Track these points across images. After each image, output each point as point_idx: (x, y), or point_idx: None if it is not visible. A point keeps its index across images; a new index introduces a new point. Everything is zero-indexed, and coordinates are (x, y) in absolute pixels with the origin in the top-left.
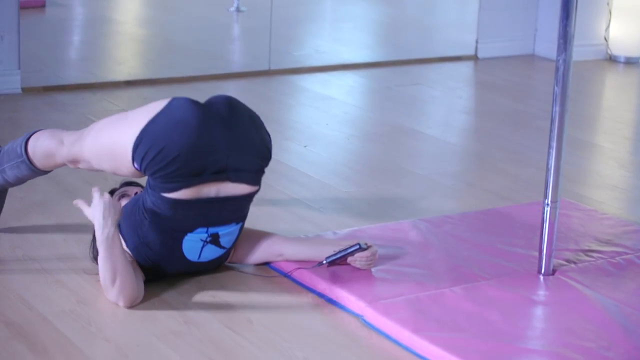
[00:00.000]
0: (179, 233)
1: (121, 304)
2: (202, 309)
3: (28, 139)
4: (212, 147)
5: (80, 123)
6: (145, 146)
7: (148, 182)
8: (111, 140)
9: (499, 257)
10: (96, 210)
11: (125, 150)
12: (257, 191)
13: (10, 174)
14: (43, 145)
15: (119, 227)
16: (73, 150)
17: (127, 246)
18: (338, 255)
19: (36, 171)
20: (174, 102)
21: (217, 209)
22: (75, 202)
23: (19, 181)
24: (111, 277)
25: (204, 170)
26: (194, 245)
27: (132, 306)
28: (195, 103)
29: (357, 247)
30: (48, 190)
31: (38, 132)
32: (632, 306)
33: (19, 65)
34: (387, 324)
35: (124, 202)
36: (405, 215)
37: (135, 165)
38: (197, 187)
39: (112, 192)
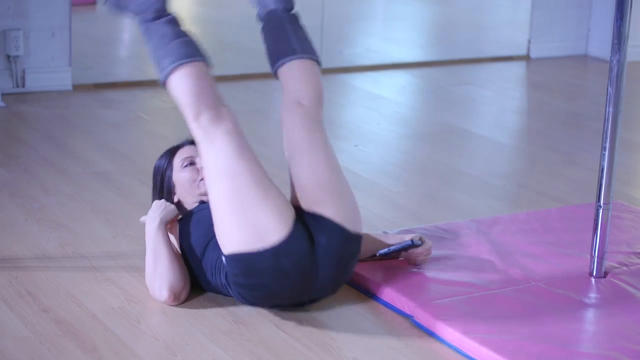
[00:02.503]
0: None
1: (165, 295)
2: (252, 308)
3: (171, 71)
4: (304, 293)
5: (131, 120)
6: (238, 269)
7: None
8: (226, 213)
9: (550, 259)
10: (150, 210)
11: (226, 237)
12: None
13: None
14: (182, 96)
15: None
16: (200, 138)
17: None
18: (391, 250)
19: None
20: (286, 245)
21: None
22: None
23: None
24: (153, 264)
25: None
26: None
27: (176, 302)
28: (305, 257)
29: (410, 243)
30: (99, 187)
31: (185, 77)
32: None
33: (70, 62)
34: (437, 325)
35: (186, 173)
36: (455, 216)
37: (224, 260)
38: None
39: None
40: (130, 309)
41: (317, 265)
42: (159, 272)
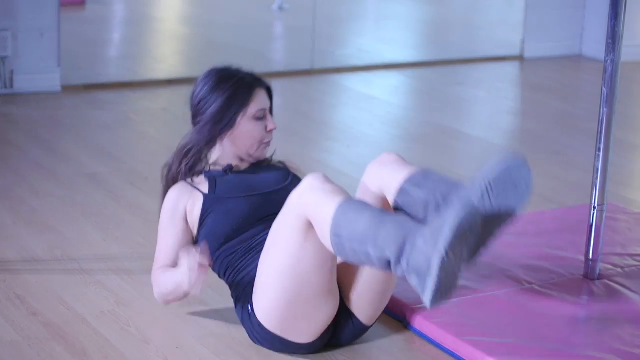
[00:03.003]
0: None
1: (159, 303)
2: None
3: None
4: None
5: (121, 122)
6: (260, 330)
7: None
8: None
9: (544, 261)
10: (184, 266)
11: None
12: None
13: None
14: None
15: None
16: (299, 221)
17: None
18: None
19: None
20: (309, 345)
21: None
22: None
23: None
24: (167, 290)
25: None
26: None
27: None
28: (323, 344)
29: None
30: (89, 190)
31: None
32: None
33: (59, 63)
34: (431, 328)
35: (257, 128)
36: None
37: (250, 310)
38: None
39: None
40: (120, 312)
41: (333, 339)
42: (168, 297)
